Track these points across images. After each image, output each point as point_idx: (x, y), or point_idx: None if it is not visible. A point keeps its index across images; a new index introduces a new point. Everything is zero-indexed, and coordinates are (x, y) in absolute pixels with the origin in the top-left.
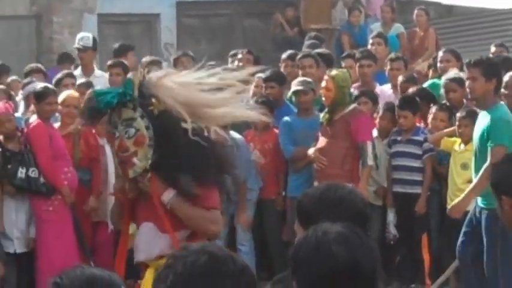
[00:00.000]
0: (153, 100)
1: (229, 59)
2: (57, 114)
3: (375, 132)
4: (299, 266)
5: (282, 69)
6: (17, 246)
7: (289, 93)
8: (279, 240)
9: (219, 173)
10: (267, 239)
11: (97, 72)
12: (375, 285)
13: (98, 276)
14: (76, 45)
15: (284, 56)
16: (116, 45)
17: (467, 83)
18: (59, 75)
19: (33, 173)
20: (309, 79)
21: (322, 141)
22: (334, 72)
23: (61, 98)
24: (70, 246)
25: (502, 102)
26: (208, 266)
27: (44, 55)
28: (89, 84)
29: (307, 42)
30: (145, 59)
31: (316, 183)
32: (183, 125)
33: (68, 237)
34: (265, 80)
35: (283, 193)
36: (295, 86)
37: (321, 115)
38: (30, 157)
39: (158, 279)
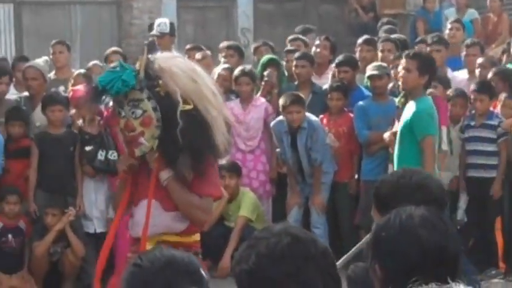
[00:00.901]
0: (160, 81)
1: (289, 44)
2: None
3: None
4: (382, 249)
5: (357, 54)
6: (96, 226)
7: (365, 78)
8: (351, 224)
9: (215, 156)
10: (339, 222)
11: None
12: (458, 269)
13: (177, 258)
14: (153, 32)
15: (360, 41)
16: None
17: (401, 72)
18: (107, 52)
19: (112, 155)
20: (384, 64)
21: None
22: None
23: None
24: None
25: (428, 96)
26: (291, 248)
27: (124, 40)
28: None
29: (384, 27)
30: (223, 44)
31: (390, 167)
32: (185, 107)
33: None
34: (338, 64)
35: (356, 177)
36: (370, 70)
37: (397, 99)
38: (109, 140)
39: (239, 259)
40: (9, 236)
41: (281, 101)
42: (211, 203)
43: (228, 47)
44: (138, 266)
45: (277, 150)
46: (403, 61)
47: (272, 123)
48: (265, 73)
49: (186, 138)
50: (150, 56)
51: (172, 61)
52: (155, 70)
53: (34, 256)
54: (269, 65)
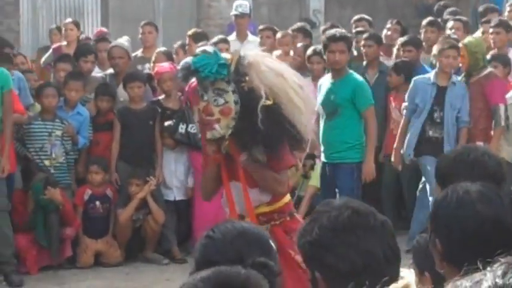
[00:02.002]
0: (246, 78)
1: (353, 25)
2: None
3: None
4: (441, 223)
5: (422, 35)
6: (176, 194)
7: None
8: (415, 193)
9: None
10: (403, 192)
11: (250, 37)
12: None
13: (248, 230)
14: (234, 12)
15: (424, 22)
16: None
17: (335, 54)
18: (214, 40)
19: (192, 129)
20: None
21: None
22: (466, 40)
23: None
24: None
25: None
26: (352, 220)
27: (203, 21)
28: None
29: (448, 10)
30: (294, 26)
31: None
32: (267, 102)
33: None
34: (403, 44)
35: None
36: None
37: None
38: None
39: (303, 232)
40: (97, 203)
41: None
42: (287, 175)
43: (298, 29)
44: (211, 238)
45: None
46: (332, 44)
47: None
48: None
49: (263, 130)
50: (242, 52)
51: (261, 59)
52: (244, 66)
53: (118, 222)
54: None
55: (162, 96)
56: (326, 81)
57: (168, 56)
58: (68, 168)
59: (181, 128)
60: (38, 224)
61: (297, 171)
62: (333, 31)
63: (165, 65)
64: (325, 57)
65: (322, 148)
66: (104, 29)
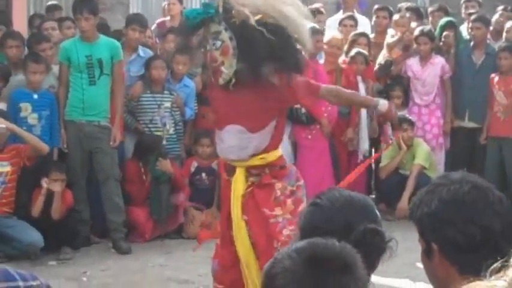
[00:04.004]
0: (233, 12)
1: (463, 5)
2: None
3: None
4: None
5: (496, 17)
6: None
7: None
8: None
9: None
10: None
11: (357, 16)
12: None
13: (355, 198)
14: None
15: (500, 7)
16: None
17: None
18: (342, 16)
19: None
20: None
21: None
22: None
23: (327, 38)
24: (325, 171)
25: None
26: (471, 194)
27: None
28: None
29: None
30: (403, 4)
31: None
32: (254, 18)
33: (323, 163)
34: (473, 21)
35: None
36: None
37: None
38: None
39: (419, 204)
40: (203, 174)
41: None
42: (327, 89)
43: (407, 8)
44: (318, 205)
45: None
46: None
47: None
48: (443, 34)
49: (268, 47)
50: None
51: None
52: (230, 3)
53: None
54: (447, 27)
55: None
56: None
57: None
58: (177, 139)
59: None
60: (154, 197)
61: (400, 149)
62: None
63: None
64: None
65: None
66: None
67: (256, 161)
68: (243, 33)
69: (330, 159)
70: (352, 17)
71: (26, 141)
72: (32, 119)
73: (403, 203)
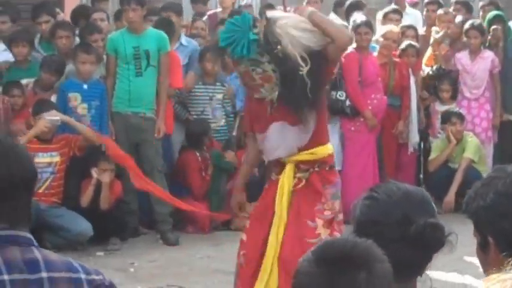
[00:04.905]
0: (279, 47)
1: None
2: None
3: None
4: None
5: None
6: None
7: None
8: None
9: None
10: None
11: (408, 9)
12: None
13: (412, 191)
14: None
15: None
16: None
17: None
18: (387, 9)
19: (340, 95)
20: None
21: None
22: None
23: (383, 31)
24: (368, 163)
25: None
26: None
27: None
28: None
29: None
30: None
31: None
32: (304, 69)
33: (367, 155)
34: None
35: None
36: None
37: None
38: (341, 81)
39: (475, 196)
40: None
41: None
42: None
43: (456, 2)
44: (375, 199)
45: None
46: None
47: None
48: (492, 28)
49: (311, 94)
50: (268, 17)
51: (287, 21)
52: (274, 34)
53: None
54: (495, 20)
55: None
56: None
57: None
58: (228, 131)
59: (332, 95)
60: (214, 190)
61: (450, 142)
62: None
63: None
64: None
65: None
66: None
67: (305, 156)
68: (287, 75)
69: (374, 152)
70: (397, 11)
71: (80, 133)
72: (82, 109)
73: (450, 197)
